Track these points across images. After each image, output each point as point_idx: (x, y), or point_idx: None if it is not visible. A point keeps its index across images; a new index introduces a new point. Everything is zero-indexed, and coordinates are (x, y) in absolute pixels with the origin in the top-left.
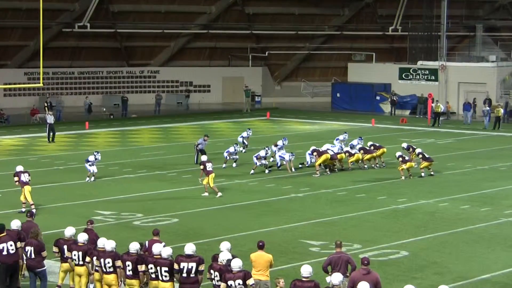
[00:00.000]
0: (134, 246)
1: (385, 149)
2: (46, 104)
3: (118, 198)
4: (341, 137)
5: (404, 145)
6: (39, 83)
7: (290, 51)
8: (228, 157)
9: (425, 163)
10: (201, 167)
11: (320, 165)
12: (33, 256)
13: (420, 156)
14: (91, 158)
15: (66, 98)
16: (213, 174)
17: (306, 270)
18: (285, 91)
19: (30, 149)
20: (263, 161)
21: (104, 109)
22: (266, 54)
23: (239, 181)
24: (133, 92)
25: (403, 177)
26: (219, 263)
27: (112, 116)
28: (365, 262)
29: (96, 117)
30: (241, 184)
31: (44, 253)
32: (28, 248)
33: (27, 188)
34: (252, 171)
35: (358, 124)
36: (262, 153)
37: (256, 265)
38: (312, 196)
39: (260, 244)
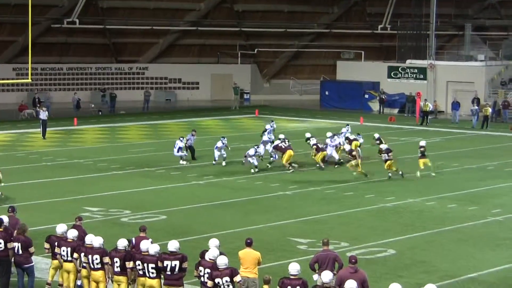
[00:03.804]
0: (122, 243)
1: (358, 142)
2: (37, 100)
3: (106, 195)
4: (344, 129)
5: (376, 135)
6: (28, 78)
7: (279, 48)
8: (249, 160)
9: (389, 162)
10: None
11: (322, 160)
12: (20, 252)
13: (383, 152)
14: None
15: (54, 94)
16: (291, 152)
17: (294, 268)
18: (274, 88)
19: (18, 145)
20: (251, 159)
21: (93, 105)
22: (255, 52)
23: (227, 178)
24: (122, 88)
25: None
26: (209, 260)
27: (100, 113)
28: (353, 260)
29: (85, 114)
30: (229, 181)
31: (32, 249)
32: (15, 244)
33: None
34: (252, 171)
35: (346, 122)
36: (251, 151)
37: (244, 262)
38: (300, 194)
39: (248, 241)
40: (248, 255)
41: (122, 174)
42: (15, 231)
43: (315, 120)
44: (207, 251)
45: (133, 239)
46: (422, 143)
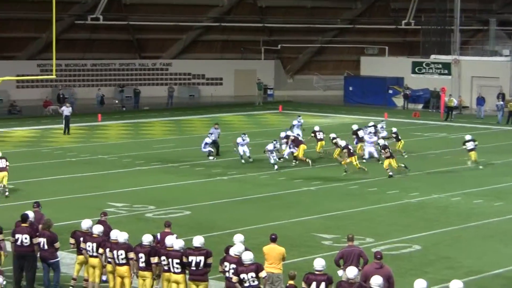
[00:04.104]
0: (147, 238)
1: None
2: (61, 96)
3: (130, 190)
4: (379, 125)
5: (394, 129)
6: (52, 74)
7: (302, 44)
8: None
9: (389, 160)
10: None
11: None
12: (46, 247)
13: (381, 143)
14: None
15: (78, 90)
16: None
17: (319, 263)
18: (298, 84)
19: (42, 141)
20: (270, 155)
21: (116, 101)
22: (279, 47)
23: (251, 174)
24: (146, 84)
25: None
26: (234, 255)
27: (124, 109)
28: (378, 256)
29: (109, 109)
30: (253, 177)
31: (57, 245)
32: (41, 240)
33: (2, 174)
34: (276, 167)
35: (370, 118)
36: (270, 146)
37: (268, 258)
38: (324, 189)
39: (273, 237)
40: (273, 250)
41: (146, 169)
42: (40, 227)
43: (339, 115)
44: (232, 246)
45: (158, 235)
46: (468, 137)
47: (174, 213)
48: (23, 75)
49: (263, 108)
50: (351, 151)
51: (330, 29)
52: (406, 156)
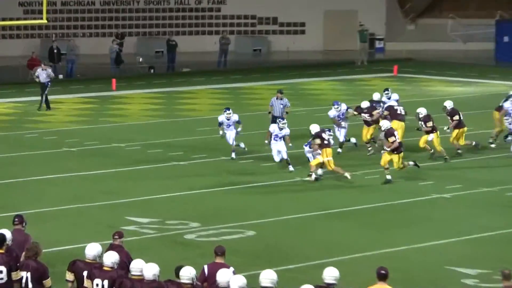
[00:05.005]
0: (187, 273)
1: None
2: (55, 51)
3: (161, 198)
4: None
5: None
6: (42, 18)
7: None
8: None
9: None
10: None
11: None
12: (30, 285)
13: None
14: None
15: (81, 42)
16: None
17: None
18: (422, 32)
19: (26, 121)
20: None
21: (141, 59)
22: None
23: (353, 173)
24: (185, 33)
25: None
26: None
27: (152, 70)
28: None
29: (128, 72)
30: (354, 178)
31: (47, 282)
32: (23, 274)
33: None
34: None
35: None
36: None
37: None
38: (465, 197)
39: (382, 272)
40: None
41: (186, 165)
42: (24, 254)
43: (487, 81)
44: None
45: (205, 267)
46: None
47: (229, 233)
48: None
49: (368, 69)
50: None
51: None
52: None
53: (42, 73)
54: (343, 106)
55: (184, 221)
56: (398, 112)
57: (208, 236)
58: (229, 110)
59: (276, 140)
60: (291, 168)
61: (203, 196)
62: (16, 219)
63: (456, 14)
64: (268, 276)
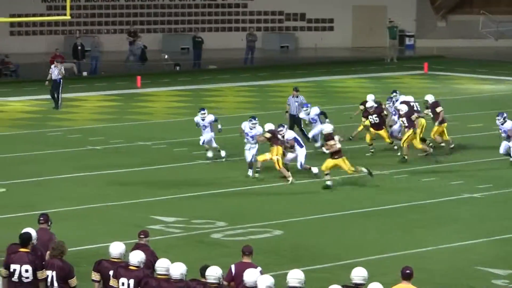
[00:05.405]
0: (214, 273)
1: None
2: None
3: (187, 197)
4: None
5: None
6: (65, 14)
7: None
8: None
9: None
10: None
11: None
12: (55, 285)
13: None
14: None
15: (105, 38)
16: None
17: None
18: (453, 29)
19: (49, 118)
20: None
21: (166, 56)
22: None
23: (379, 172)
24: (211, 30)
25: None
26: None
27: (178, 68)
28: None
29: (153, 69)
30: (382, 178)
31: (73, 281)
32: (48, 273)
33: None
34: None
35: None
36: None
37: None
38: (496, 197)
39: (407, 272)
40: None
41: (212, 164)
42: (48, 253)
43: None
44: (349, 287)
45: (232, 267)
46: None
47: (256, 233)
48: (19, 16)
49: (398, 66)
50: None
51: None
52: None
53: (54, 70)
54: (314, 110)
55: (210, 220)
56: (415, 108)
57: (234, 236)
58: (204, 110)
59: (248, 139)
60: (249, 173)
61: (229, 195)
62: (42, 218)
63: (488, 11)
64: (296, 276)
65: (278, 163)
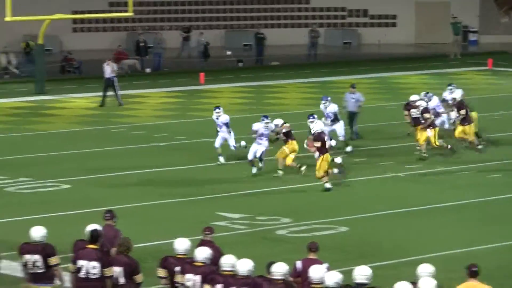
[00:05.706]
0: (280, 269)
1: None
2: (142, 45)
3: (252, 193)
4: None
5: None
6: (127, 11)
7: None
8: None
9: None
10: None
11: None
12: (122, 281)
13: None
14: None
15: (168, 35)
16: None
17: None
18: None
19: (113, 115)
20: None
21: (229, 53)
22: None
23: (443, 168)
24: (274, 26)
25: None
26: None
27: (241, 64)
28: None
29: (216, 65)
30: (448, 174)
31: (139, 277)
32: (116, 269)
33: None
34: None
35: None
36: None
37: None
38: None
39: (473, 269)
40: None
41: (275, 161)
42: (114, 250)
43: None
44: (415, 284)
45: (298, 263)
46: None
47: (322, 229)
48: (82, 12)
49: (461, 63)
50: None
51: None
52: None
53: (107, 68)
54: (332, 107)
55: (275, 216)
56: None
57: (299, 232)
58: (218, 108)
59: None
60: (254, 170)
61: (294, 192)
62: (108, 214)
63: None
64: (363, 272)
65: (288, 161)
